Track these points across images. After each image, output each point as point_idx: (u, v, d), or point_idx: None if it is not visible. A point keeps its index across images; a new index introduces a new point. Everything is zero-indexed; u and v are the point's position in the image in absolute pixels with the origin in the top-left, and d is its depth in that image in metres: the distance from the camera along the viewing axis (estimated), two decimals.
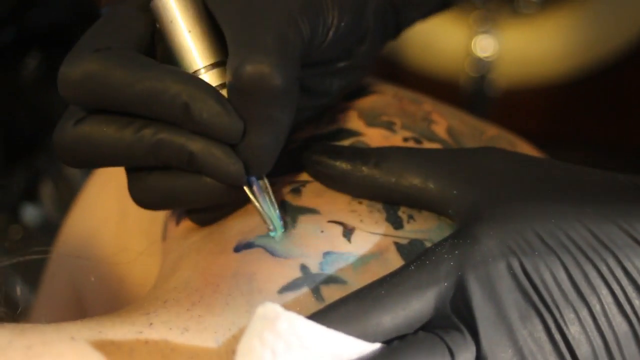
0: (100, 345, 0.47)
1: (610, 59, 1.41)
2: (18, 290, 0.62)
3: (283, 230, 0.54)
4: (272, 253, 0.53)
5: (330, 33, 0.55)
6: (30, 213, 1.10)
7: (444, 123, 0.62)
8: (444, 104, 0.67)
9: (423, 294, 0.46)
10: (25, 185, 1.11)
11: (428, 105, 0.64)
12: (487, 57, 1.44)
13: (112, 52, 0.51)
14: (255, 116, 0.51)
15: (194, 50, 0.53)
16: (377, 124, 0.61)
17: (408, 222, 0.54)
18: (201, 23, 0.54)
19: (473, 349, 0.45)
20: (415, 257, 0.48)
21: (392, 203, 0.55)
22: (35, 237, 1.06)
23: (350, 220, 0.54)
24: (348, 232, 0.53)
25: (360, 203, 0.55)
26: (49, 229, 1.08)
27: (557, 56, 1.44)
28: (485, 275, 0.46)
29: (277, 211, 0.54)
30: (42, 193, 1.12)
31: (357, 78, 0.60)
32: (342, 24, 0.55)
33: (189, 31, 0.53)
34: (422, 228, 0.54)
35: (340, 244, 0.53)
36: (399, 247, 0.53)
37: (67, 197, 1.12)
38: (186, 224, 0.59)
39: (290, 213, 0.55)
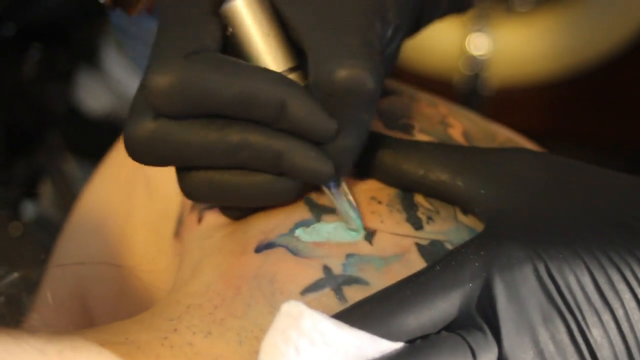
0: (127, 351, 0.48)
1: (605, 57, 1.42)
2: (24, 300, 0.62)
3: (365, 233, 0.54)
4: (294, 253, 0.53)
5: (390, 31, 0.55)
6: (30, 210, 1.10)
7: (460, 127, 0.62)
8: (456, 106, 0.67)
9: (448, 295, 0.46)
10: (26, 181, 1.10)
11: (444, 108, 0.64)
12: (481, 56, 1.44)
13: (203, 57, 0.51)
14: (343, 118, 0.52)
15: (271, 55, 0.53)
16: (396, 126, 0.61)
17: (427, 223, 0.54)
18: (275, 27, 0.54)
19: (495, 349, 0.45)
20: (441, 257, 0.48)
21: (418, 193, 0.56)
22: (35, 235, 1.05)
23: (371, 222, 0.54)
24: (369, 235, 0.54)
25: (379, 203, 0.55)
26: (48, 227, 1.08)
27: (551, 54, 1.44)
28: (511, 277, 0.46)
29: (358, 211, 0.54)
30: (41, 191, 1.12)
31: (386, 74, 0.60)
32: (399, 22, 0.55)
33: (267, 35, 0.53)
34: (442, 229, 0.54)
35: (362, 247, 0.53)
36: (420, 247, 0.53)
37: (65, 196, 1.12)
38: (208, 222, 0.58)
39: (314, 211, 0.55)
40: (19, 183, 1.09)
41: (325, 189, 0.55)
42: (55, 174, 1.13)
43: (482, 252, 0.47)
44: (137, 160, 0.53)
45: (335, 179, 0.54)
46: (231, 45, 0.54)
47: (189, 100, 0.50)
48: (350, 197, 0.55)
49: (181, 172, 0.54)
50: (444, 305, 0.46)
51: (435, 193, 0.54)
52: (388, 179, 0.56)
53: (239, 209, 0.57)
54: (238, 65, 0.51)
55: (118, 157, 0.72)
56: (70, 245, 0.74)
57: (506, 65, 1.45)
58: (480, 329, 0.45)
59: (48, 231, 1.06)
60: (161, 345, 0.49)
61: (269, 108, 0.51)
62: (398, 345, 0.45)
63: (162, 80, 0.50)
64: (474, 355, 0.44)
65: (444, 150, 0.55)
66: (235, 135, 0.51)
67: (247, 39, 0.54)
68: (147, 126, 0.51)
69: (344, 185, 0.55)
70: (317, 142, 0.52)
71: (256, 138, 0.51)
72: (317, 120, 0.51)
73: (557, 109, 1.50)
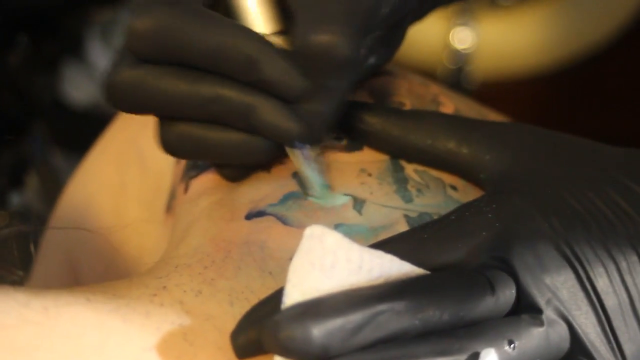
0: (116, 307, 0.47)
1: (589, 51, 1.42)
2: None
3: (326, 199, 0.55)
4: (284, 222, 0.54)
5: (387, 8, 0.55)
6: (16, 200, 1.10)
7: (451, 105, 0.63)
8: (447, 88, 0.67)
9: (464, 240, 0.48)
10: (12, 172, 1.10)
11: (435, 87, 0.65)
12: (465, 49, 1.45)
13: (183, 6, 0.52)
14: (317, 84, 0.53)
15: (258, 17, 0.54)
16: (388, 103, 0.62)
17: (417, 196, 0.55)
18: None
19: (513, 286, 0.46)
20: (454, 209, 0.50)
21: (423, 165, 0.57)
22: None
23: (361, 193, 0.55)
24: (359, 205, 0.54)
25: (369, 175, 0.56)
26: (34, 218, 1.08)
27: (535, 49, 1.45)
28: (524, 227, 0.48)
29: (323, 179, 0.55)
30: (27, 181, 1.12)
31: (388, 59, 0.61)
32: (396, 0, 0.56)
33: None
34: (431, 202, 0.55)
35: (351, 216, 0.54)
36: (409, 219, 0.54)
37: (50, 187, 1.12)
38: (195, 190, 0.59)
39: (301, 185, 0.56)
40: (5, 173, 1.09)
41: (290, 150, 0.55)
42: (40, 165, 1.13)
43: (494, 205, 0.49)
44: (115, 106, 0.54)
45: (304, 142, 0.54)
46: (223, 3, 0.55)
47: (164, 46, 0.52)
48: (321, 165, 0.55)
49: (160, 127, 0.55)
50: (459, 250, 0.48)
51: (441, 162, 0.56)
52: (396, 151, 0.57)
53: (233, 170, 0.57)
54: (216, 18, 0.52)
55: (113, 134, 0.73)
56: (63, 218, 0.74)
57: (490, 59, 1.46)
58: (498, 269, 0.47)
59: (33, 222, 1.06)
60: (151, 303, 0.49)
61: (240, 63, 0.52)
62: (420, 270, 0.46)
63: (140, 24, 0.52)
64: (493, 288, 0.45)
65: (449, 119, 0.56)
66: (208, 88, 0.52)
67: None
68: (124, 72, 0.53)
69: (317, 152, 0.56)
70: (288, 101, 0.53)
71: (228, 92, 0.52)
72: (287, 78, 0.52)
73: (541, 103, 1.51)
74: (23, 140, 1.12)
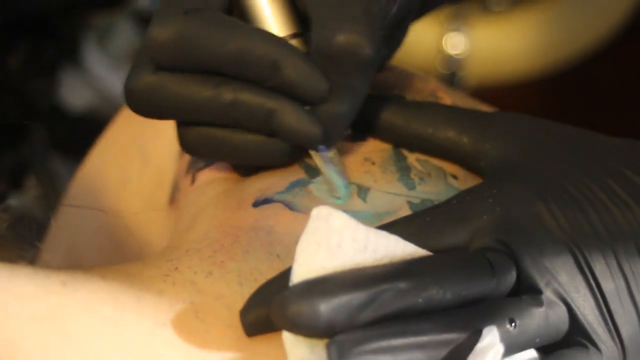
0: (130, 286, 0.49)
1: (582, 56, 1.43)
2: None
3: (349, 200, 0.55)
4: (291, 208, 0.54)
5: (395, 7, 0.56)
6: (15, 204, 1.10)
7: (449, 100, 0.64)
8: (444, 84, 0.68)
9: (465, 224, 0.49)
10: (11, 175, 1.10)
11: (434, 83, 0.66)
12: (457, 55, 1.45)
13: (203, 13, 0.53)
14: (338, 84, 0.54)
15: (274, 20, 0.55)
16: None
17: (419, 183, 0.56)
18: None
19: (513, 269, 0.47)
20: (455, 194, 0.51)
21: (425, 153, 0.58)
22: (20, 228, 1.05)
23: (365, 181, 0.56)
24: (363, 192, 0.55)
25: (373, 164, 0.57)
26: (33, 220, 1.08)
27: (527, 53, 1.45)
28: (523, 212, 0.49)
29: (345, 179, 0.56)
30: (26, 185, 1.12)
31: (389, 58, 0.62)
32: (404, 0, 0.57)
33: (273, 1, 0.55)
34: (433, 190, 0.56)
35: (356, 204, 0.55)
36: (412, 205, 0.55)
37: (49, 190, 1.12)
38: (201, 181, 0.60)
39: (309, 172, 0.57)
40: (4, 176, 1.09)
41: (313, 153, 0.56)
42: (39, 169, 1.13)
43: (494, 191, 0.50)
44: (136, 111, 0.55)
45: (325, 144, 0.55)
46: (238, 8, 0.56)
47: (185, 54, 0.52)
48: (340, 165, 0.56)
49: (180, 128, 0.56)
50: (461, 233, 0.49)
51: (442, 151, 0.57)
52: (398, 140, 0.58)
53: (246, 166, 0.58)
54: (235, 24, 0.53)
55: (116, 130, 0.74)
56: (67, 215, 0.75)
57: (483, 64, 1.46)
58: (498, 251, 0.48)
59: (32, 226, 1.06)
60: (163, 282, 0.50)
61: (261, 67, 0.52)
62: (424, 251, 0.47)
63: (160, 33, 0.52)
64: (493, 269, 0.46)
65: (449, 110, 0.58)
66: (228, 93, 0.53)
67: (250, 2, 0.55)
68: (146, 79, 0.53)
69: (334, 152, 0.56)
70: (309, 103, 0.54)
71: (249, 97, 0.53)
72: (309, 80, 0.53)
73: (533, 107, 1.52)
74: (22, 144, 1.12)
